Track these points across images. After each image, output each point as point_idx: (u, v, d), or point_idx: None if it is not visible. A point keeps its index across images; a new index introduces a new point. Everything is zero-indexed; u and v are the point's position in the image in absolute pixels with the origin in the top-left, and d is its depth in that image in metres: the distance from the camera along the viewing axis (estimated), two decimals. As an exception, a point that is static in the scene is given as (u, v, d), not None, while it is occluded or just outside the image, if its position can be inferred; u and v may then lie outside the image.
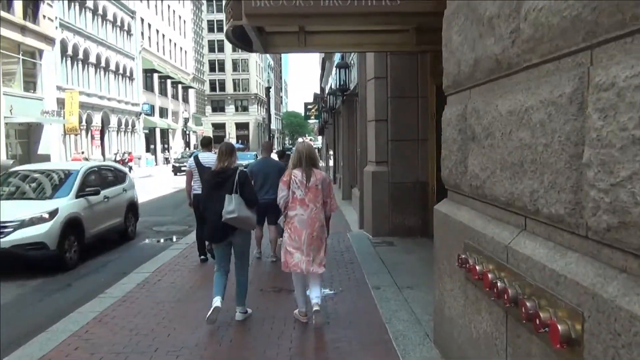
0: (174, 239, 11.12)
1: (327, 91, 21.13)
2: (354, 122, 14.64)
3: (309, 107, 25.56)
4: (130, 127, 46.66)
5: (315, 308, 4.98)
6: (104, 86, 41.09)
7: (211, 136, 10.01)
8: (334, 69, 12.94)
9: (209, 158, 7.62)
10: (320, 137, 59.03)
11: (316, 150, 5.91)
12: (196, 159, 7.89)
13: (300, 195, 5.02)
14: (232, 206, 5.02)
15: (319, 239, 5.07)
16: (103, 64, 40.69)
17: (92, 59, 38.66)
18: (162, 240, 11.21)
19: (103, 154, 39.99)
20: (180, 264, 7.98)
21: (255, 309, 5.69)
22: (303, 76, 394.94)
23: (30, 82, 30.99)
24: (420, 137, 9.34)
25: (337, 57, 12.93)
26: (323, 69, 34.99)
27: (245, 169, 5.87)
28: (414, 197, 9.42)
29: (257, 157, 20.36)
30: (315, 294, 5.08)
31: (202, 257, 8.01)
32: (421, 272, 6.97)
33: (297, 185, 5.03)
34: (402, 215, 9.42)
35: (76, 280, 7.78)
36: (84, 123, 37.00)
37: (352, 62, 11.69)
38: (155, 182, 30.47)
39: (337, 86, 11.05)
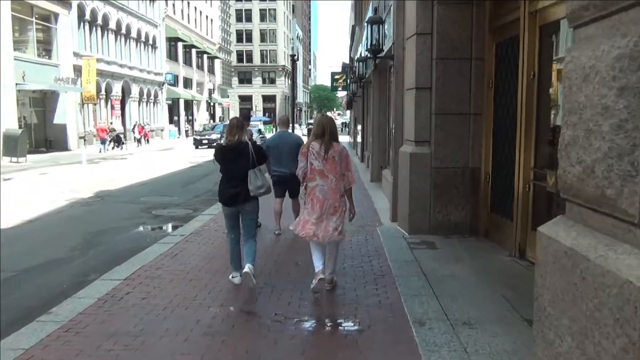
0: (169, 229, 9.45)
1: (356, 59, 19.06)
2: (387, 92, 12.66)
3: (336, 77, 23.21)
4: (152, 97, 45.28)
5: (327, 287, 5.24)
6: (124, 54, 39.58)
7: (249, 111, 8.99)
8: (365, 26, 10.91)
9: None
10: (348, 112, 56.79)
11: (336, 124, 5.67)
12: None
13: (318, 166, 5.12)
14: (259, 181, 5.44)
15: (341, 209, 5.19)
16: (124, 30, 39.10)
17: (112, 25, 37.08)
18: (156, 228, 9.55)
19: (123, 124, 38.72)
20: (163, 267, 6.27)
21: (245, 354, 3.95)
22: (333, 49, 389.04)
23: (45, 48, 29.60)
24: (473, 110, 7.36)
25: (369, 12, 10.88)
26: (352, 38, 32.72)
27: (255, 141, 6.10)
28: (462, 187, 7.49)
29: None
30: (330, 270, 5.27)
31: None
32: (479, 295, 5.09)
33: (315, 157, 5.12)
34: (447, 208, 7.51)
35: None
36: (103, 92, 35.64)
37: (387, 16, 9.64)
38: (173, 155, 29.02)
39: (369, 47, 9.05)
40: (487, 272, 5.75)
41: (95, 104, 34.15)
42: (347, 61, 32.86)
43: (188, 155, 28.80)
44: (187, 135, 50.53)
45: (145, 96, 43.58)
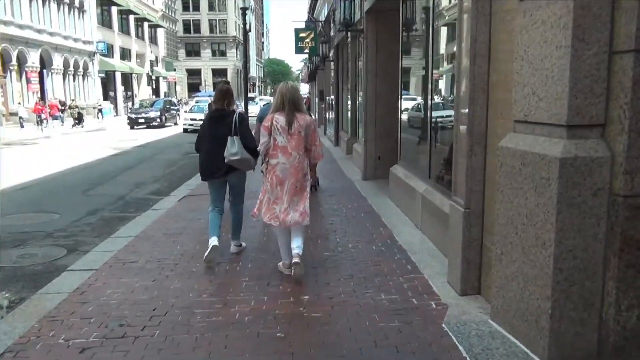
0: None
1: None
2: (397, 42, 7.90)
3: (302, 35, 18.24)
4: (81, 69, 38.93)
5: (295, 260, 4.55)
6: (43, 18, 33.13)
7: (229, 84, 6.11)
8: None
9: None
10: (307, 85, 51.41)
11: (301, 92, 4.83)
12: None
13: (281, 142, 4.58)
14: (235, 148, 5.03)
15: (303, 189, 4.67)
16: (40, -12, 32.67)
17: (24, -19, 30.66)
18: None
19: (43, 100, 32.52)
20: None
21: None
22: (287, 23, 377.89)
23: None
24: None
25: None
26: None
27: (243, 112, 5.65)
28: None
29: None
30: (296, 244, 4.64)
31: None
32: None
33: (279, 132, 4.57)
34: (649, 298, 2.94)
35: None
36: (14, 62, 29.42)
37: None
38: (100, 138, 23.47)
39: None
40: None
41: (2, 77, 27.98)
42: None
43: (117, 138, 23.33)
44: (116, 114, 44.09)
45: (71, 68, 37.20)
